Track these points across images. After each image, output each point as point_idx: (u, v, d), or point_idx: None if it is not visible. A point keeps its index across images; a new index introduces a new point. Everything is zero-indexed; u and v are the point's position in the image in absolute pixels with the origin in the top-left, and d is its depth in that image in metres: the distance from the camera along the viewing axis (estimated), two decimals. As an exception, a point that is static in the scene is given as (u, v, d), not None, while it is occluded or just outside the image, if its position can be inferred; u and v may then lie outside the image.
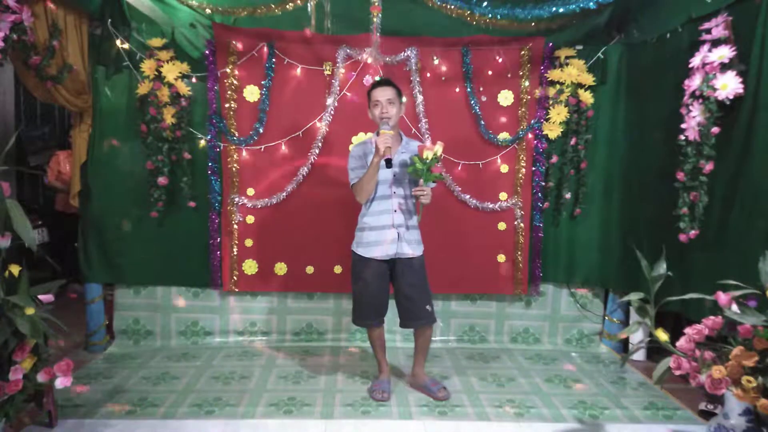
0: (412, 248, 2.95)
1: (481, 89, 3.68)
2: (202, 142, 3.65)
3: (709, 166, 2.75)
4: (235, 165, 3.66)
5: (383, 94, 2.88)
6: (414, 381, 3.18)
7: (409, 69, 3.63)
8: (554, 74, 3.59)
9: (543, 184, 3.74)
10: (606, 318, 3.91)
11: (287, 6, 3.26)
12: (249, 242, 3.73)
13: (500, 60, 3.65)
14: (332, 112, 3.63)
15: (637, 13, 3.48)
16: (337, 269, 3.76)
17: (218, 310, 3.87)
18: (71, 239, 3.87)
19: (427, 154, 2.77)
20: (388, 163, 2.75)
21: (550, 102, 3.62)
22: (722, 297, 2.13)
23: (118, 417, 2.75)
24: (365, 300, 3.02)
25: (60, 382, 2.39)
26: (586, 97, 3.57)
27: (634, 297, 2.39)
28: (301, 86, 3.64)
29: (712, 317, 2.17)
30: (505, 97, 3.70)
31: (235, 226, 3.71)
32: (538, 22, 3.35)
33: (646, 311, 2.30)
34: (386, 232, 2.91)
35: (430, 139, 3.66)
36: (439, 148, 2.81)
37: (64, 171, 4.93)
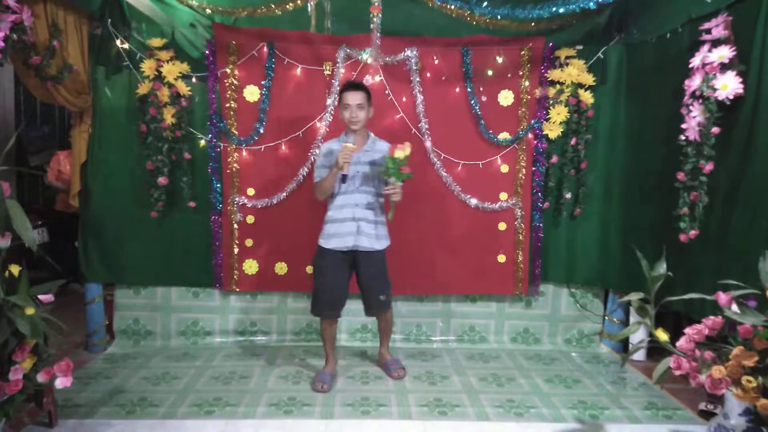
0: (370, 242, 3.06)
1: (481, 89, 3.68)
2: (202, 142, 3.65)
3: (709, 166, 2.75)
4: (235, 165, 3.66)
5: (353, 98, 3.00)
6: (378, 360, 3.46)
7: (409, 69, 3.63)
8: (554, 74, 3.59)
9: (543, 184, 3.74)
10: (606, 318, 3.91)
11: (287, 6, 3.26)
12: (249, 242, 3.73)
13: (500, 60, 3.64)
14: (332, 112, 3.63)
15: (637, 14, 3.48)
16: (337, 269, 3.75)
17: (218, 310, 3.87)
18: (71, 239, 3.87)
19: (398, 154, 2.87)
20: (343, 179, 2.92)
21: (551, 102, 3.62)
22: (722, 297, 2.13)
23: (118, 417, 2.75)
24: (321, 291, 3.13)
25: (60, 382, 2.39)
26: (587, 97, 3.57)
27: (634, 297, 2.39)
28: (301, 86, 3.64)
29: (712, 317, 2.17)
30: (506, 97, 3.70)
31: (236, 226, 3.71)
32: (538, 22, 3.35)
33: (647, 311, 2.30)
34: (345, 225, 3.03)
35: (431, 139, 3.66)
36: (408, 147, 2.91)
37: (65, 171, 4.93)
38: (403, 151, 2.90)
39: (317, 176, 3.12)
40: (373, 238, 3.08)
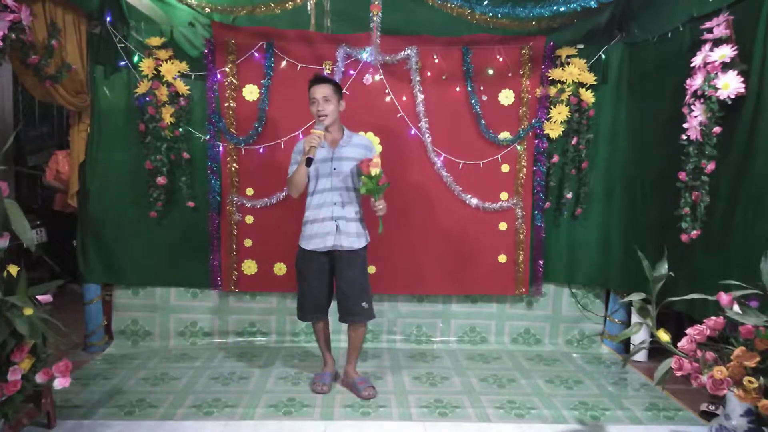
0: (350, 241, 2.98)
1: (482, 88, 3.67)
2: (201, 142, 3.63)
3: (711, 166, 2.74)
4: (234, 164, 3.65)
5: (319, 91, 2.92)
6: (344, 379, 3.20)
7: (410, 68, 3.61)
8: (555, 73, 3.57)
9: (544, 183, 3.72)
10: (607, 318, 3.90)
11: (287, 5, 3.25)
12: (248, 242, 3.72)
13: (501, 59, 3.63)
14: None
15: (638, 12, 3.47)
16: (337, 269, 3.74)
17: (217, 311, 3.86)
18: (70, 239, 3.85)
19: (374, 171, 2.81)
20: (308, 162, 2.84)
21: (551, 101, 3.61)
22: (724, 297, 2.12)
23: (117, 418, 2.74)
24: (304, 296, 3.09)
25: (59, 383, 2.38)
26: (588, 96, 3.56)
27: (635, 297, 2.38)
28: (301, 85, 3.61)
29: (713, 317, 2.16)
30: (506, 97, 3.69)
31: (235, 226, 3.69)
32: (539, 20, 3.34)
33: (648, 312, 2.29)
34: (325, 225, 2.96)
35: (431, 138, 3.65)
36: (377, 159, 2.86)
37: (63, 170, 4.92)
38: (377, 167, 2.82)
39: (290, 172, 3.02)
40: (354, 236, 2.99)
